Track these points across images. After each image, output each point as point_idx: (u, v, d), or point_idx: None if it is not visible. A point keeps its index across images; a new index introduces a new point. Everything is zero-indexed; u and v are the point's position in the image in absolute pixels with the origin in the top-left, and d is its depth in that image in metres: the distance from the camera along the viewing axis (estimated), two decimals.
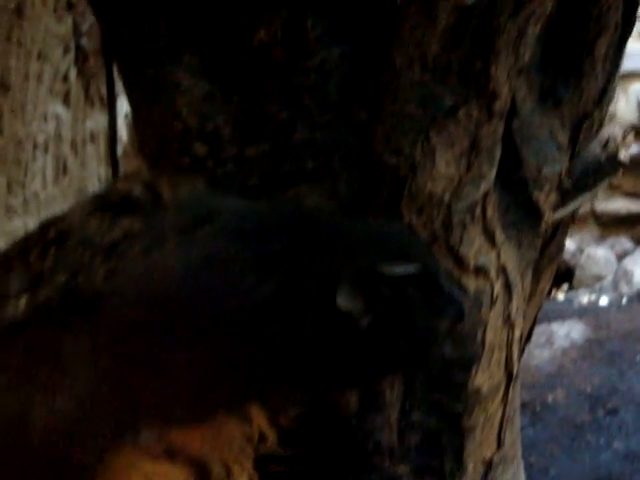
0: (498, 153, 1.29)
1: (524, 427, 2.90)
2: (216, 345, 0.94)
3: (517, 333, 1.42)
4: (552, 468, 3.32)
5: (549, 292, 4.94)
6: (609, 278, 5.29)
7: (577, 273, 5.45)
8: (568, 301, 5.20)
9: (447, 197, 1.25)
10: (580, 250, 5.51)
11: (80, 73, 2.26)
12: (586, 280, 5.38)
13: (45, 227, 1.05)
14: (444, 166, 1.24)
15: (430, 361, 1.33)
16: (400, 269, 0.95)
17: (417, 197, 1.25)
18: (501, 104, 1.24)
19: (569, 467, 3.33)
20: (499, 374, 1.41)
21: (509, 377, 1.45)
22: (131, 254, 0.94)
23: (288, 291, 0.94)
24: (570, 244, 5.47)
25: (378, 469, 1.45)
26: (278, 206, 1.18)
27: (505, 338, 1.39)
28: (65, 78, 2.19)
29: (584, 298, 5.14)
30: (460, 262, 1.27)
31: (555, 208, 1.43)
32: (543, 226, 1.41)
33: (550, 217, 1.41)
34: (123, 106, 2.42)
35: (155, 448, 0.96)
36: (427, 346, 1.07)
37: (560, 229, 1.50)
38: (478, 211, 1.28)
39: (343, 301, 0.92)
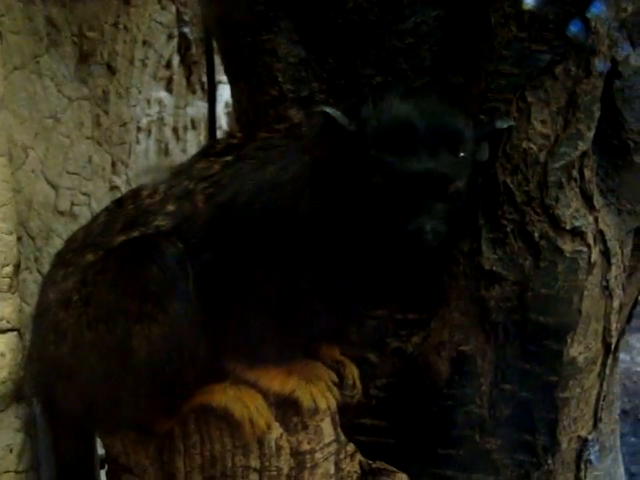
0: (597, 113, 1.25)
1: (625, 434, 2.79)
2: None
3: (616, 304, 1.36)
4: None
5: None
6: None
7: None
8: None
9: (543, 156, 1.22)
10: None
11: (182, 60, 2.34)
12: None
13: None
14: (540, 124, 1.22)
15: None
16: None
17: (512, 156, 1.23)
18: (600, 60, 1.21)
19: None
20: (596, 346, 1.36)
21: (607, 350, 1.39)
22: (224, 179, 1.00)
23: None
24: None
25: (468, 442, 1.42)
26: None
27: (603, 308, 1.34)
28: (168, 65, 2.27)
29: None
30: (556, 223, 1.24)
31: None
32: None
33: None
34: (223, 95, 2.48)
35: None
36: None
37: None
38: (575, 172, 1.25)
39: None
